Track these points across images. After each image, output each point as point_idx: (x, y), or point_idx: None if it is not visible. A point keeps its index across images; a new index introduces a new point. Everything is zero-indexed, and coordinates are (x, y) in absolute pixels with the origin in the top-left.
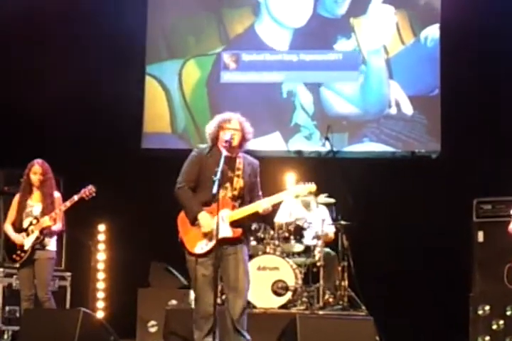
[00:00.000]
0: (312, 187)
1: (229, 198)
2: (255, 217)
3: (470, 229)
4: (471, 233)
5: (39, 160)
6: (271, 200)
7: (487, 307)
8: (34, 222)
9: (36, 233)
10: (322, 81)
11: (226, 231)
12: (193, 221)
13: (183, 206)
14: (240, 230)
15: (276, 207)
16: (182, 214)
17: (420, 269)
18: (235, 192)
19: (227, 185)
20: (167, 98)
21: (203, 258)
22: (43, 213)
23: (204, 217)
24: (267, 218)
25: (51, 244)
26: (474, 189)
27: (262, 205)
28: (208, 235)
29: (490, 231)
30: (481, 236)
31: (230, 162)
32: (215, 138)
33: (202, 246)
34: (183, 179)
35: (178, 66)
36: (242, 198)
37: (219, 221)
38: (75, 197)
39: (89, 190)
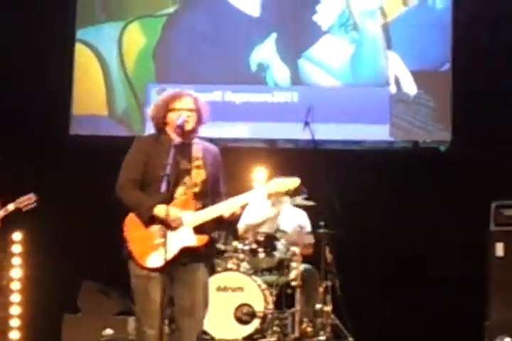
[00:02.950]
0: (295, 181)
1: (190, 197)
2: (217, 223)
3: (486, 240)
4: (488, 245)
5: None
6: (241, 200)
7: (507, 340)
8: None
9: None
10: None
11: (189, 239)
12: (150, 220)
13: (131, 207)
14: (205, 237)
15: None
16: (131, 217)
17: (423, 291)
18: (196, 189)
19: (186, 180)
20: (103, 71)
21: (156, 273)
22: None
23: (161, 209)
24: (232, 225)
25: None
26: (492, 190)
27: (228, 207)
28: (161, 245)
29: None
30: (500, 249)
31: (184, 151)
32: (162, 123)
33: (154, 260)
34: (125, 177)
35: (117, 31)
36: (206, 196)
37: (172, 229)
38: (10, 207)
39: (28, 199)
